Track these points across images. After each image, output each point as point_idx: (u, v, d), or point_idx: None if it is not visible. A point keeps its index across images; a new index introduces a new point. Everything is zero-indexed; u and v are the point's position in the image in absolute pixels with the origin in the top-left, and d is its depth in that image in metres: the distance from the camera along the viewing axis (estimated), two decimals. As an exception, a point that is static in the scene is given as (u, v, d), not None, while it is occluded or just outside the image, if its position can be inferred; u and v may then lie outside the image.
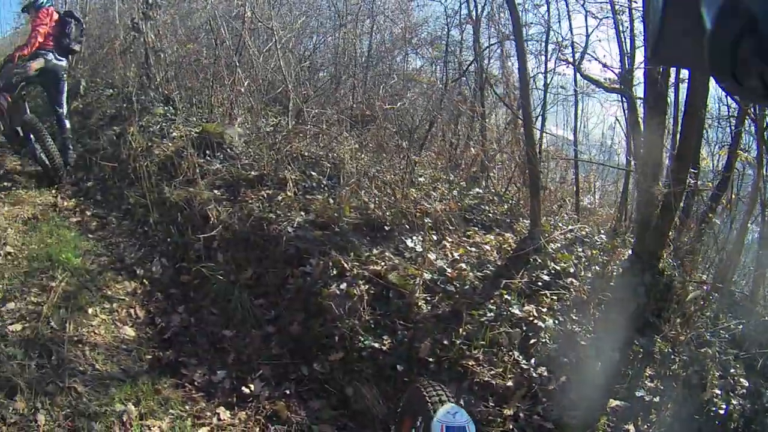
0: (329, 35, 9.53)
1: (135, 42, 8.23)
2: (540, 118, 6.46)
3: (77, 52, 7.38)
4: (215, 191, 5.26)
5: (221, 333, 4.25)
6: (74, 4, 12.46)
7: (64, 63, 6.94)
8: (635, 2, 5.83)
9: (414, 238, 4.62)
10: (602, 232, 5.62)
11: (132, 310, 4.46)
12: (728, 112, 5.50)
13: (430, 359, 3.64)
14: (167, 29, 8.45)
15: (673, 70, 4.64)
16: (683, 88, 5.04)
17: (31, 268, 4.68)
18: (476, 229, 5.16)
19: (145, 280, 4.77)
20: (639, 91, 5.30)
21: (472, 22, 7.34)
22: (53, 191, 6.45)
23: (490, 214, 5.55)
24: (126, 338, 4.15)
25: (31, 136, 6.53)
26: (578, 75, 6.61)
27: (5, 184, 6.56)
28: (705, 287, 4.41)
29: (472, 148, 6.80)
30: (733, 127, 5.43)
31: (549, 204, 6.14)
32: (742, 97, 1.41)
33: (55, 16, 6.90)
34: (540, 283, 4.27)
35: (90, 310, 4.28)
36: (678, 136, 4.52)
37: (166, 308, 4.53)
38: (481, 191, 6.05)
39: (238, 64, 6.99)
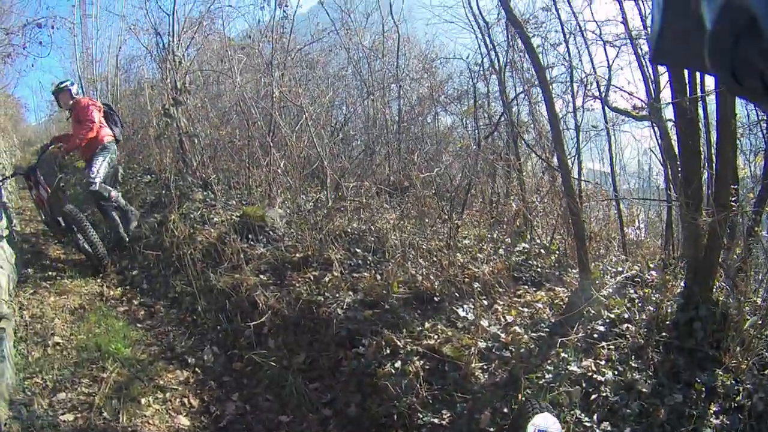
0: (358, 104, 9.71)
1: (168, 128, 8.48)
2: (575, 160, 6.48)
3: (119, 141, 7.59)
4: (261, 276, 5.31)
5: (277, 419, 4.24)
6: (105, 91, 13.00)
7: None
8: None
9: (465, 306, 4.60)
10: (652, 267, 5.54)
11: (186, 399, 4.46)
12: (757, 116, 5.40)
13: (491, 429, 3.58)
14: (198, 113, 8.70)
15: (698, 88, 4.62)
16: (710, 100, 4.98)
17: (80, 358, 4.73)
18: (526, 287, 5.13)
19: (197, 369, 4.77)
20: (669, 112, 5.30)
21: (495, 72, 7.44)
22: (98, 280, 6.52)
23: (539, 269, 5.50)
24: (181, 428, 4.16)
25: (73, 226, 6.67)
26: (606, 108, 6.64)
27: (50, 273, 6.64)
28: (762, 303, 4.28)
29: (513, 204, 6.79)
30: (764, 131, 5.34)
31: (596, 247, 6.09)
32: (742, 97, 1.43)
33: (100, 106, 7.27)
34: (596, 335, 4.19)
35: (143, 400, 4.30)
36: (713, 158, 4.45)
37: (220, 396, 4.52)
38: (527, 245, 6.03)
39: (271, 144, 7.14)
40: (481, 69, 7.85)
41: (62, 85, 7.38)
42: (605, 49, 6.64)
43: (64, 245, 7.57)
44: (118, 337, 5.12)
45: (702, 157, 4.41)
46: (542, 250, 5.96)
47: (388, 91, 9.16)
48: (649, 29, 5.98)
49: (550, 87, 5.23)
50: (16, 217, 8.76)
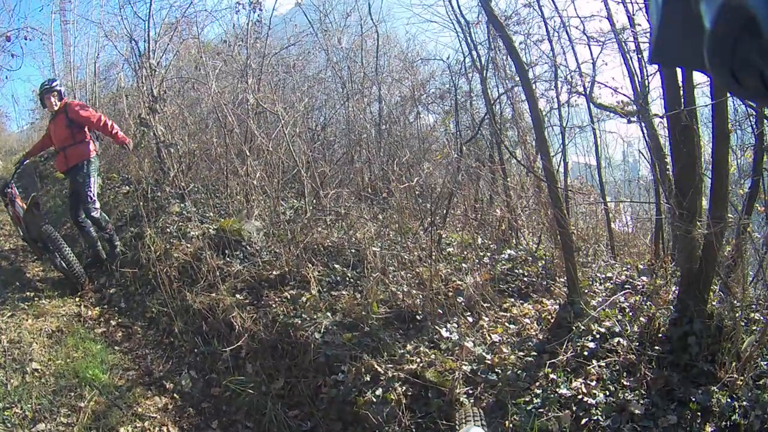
0: (338, 107, 9.56)
1: (145, 136, 8.33)
2: (561, 159, 6.39)
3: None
4: (238, 296, 5.18)
5: (257, 447, 4.12)
6: (84, 99, 12.81)
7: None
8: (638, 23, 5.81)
9: (449, 325, 4.48)
10: (642, 269, 5.43)
11: (164, 428, 4.36)
12: (746, 111, 5.30)
13: (478, 458, 3.47)
14: (176, 121, 8.55)
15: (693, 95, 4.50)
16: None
17: (58, 386, 4.64)
18: (512, 299, 5.02)
19: (175, 395, 4.66)
20: (656, 107, 5.19)
21: (477, 71, 7.33)
22: (76, 299, 6.41)
23: (525, 278, 5.40)
24: (161, 458, 4.06)
25: (49, 245, 6.53)
26: (591, 104, 6.56)
27: (28, 293, 6.51)
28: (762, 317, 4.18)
29: (498, 209, 6.67)
30: (754, 127, 5.22)
31: (584, 249, 6.00)
32: (742, 96, 1.39)
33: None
34: (586, 353, 4.07)
35: (122, 430, 4.22)
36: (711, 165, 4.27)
37: (199, 424, 4.42)
38: (513, 252, 5.91)
39: (248, 152, 6.99)
40: (463, 68, 7.75)
41: (52, 85, 6.97)
42: (589, 46, 6.57)
43: (43, 262, 7.41)
44: (95, 362, 5.03)
45: (697, 167, 4.28)
46: (529, 257, 5.83)
47: (369, 92, 9.03)
48: (637, 26, 5.90)
49: (534, 88, 5.08)
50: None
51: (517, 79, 6.11)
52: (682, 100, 4.21)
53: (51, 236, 6.46)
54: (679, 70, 4.20)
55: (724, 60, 0.67)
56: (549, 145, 5.36)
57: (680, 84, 4.25)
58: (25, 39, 10.04)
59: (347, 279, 5.21)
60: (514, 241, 6.37)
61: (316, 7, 9.63)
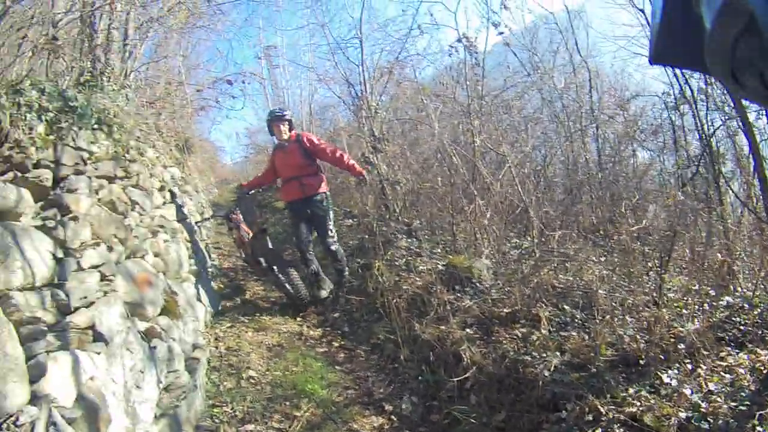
0: (557, 147, 9.53)
1: (369, 174, 8.83)
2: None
3: None
4: (467, 330, 5.31)
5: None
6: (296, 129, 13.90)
7: None
8: None
9: (669, 371, 4.32)
10: None
11: (378, 446, 4.52)
12: None
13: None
14: (398, 160, 8.98)
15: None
16: None
17: (274, 394, 4.94)
18: (729, 348, 4.71)
19: (393, 416, 4.76)
20: None
21: (688, 103, 7.00)
22: (298, 320, 6.80)
23: (742, 326, 5.03)
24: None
25: (275, 266, 6.99)
26: None
27: (248, 309, 7.08)
28: None
29: (718, 254, 6.25)
30: None
31: None
32: (742, 97, 1.27)
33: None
34: None
35: (335, 443, 4.40)
36: None
37: (414, 445, 4.55)
38: (731, 299, 5.52)
39: (476, 192, 7.18)
40: (674, 101, 7.44)
41: (283, 113, 7.26)
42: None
43: (264, 282, 8.04)
44: (315, 378, 5.32)
45: None
46: (745, 304, 5.42)
47: (586, 131, 8.93)
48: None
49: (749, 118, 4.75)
50: (213, 252, 9.53)
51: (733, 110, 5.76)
52: None
53: (280, 259, 7.02)
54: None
55: (724, 60, 0.68)
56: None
57: None
58: (243, 83, 10.94)
59: (576, 320, 5.18)
60: (731, 286, 5.93)
61: (524, 46, 9.72)
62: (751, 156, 4.84)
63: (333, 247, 7.08)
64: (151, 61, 9.69)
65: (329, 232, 7.05)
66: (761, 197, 4.80)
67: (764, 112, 5.73)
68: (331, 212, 7.16)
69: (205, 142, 19.84)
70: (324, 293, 7.07)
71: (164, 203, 6.55)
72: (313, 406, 4.76)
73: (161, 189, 6.64)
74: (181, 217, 7.15)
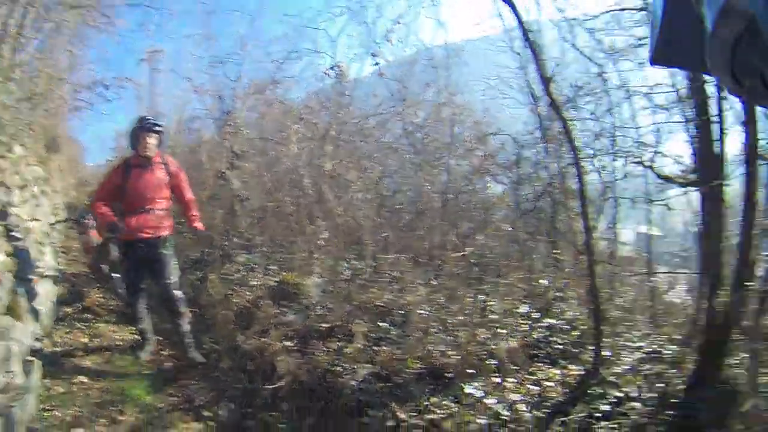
0: (410, 176, 9.94)
1: (222, 189, 8.96)
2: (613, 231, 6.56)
3: None
4: (287, 342, 5.56)
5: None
6: (164, 146, 13.77)
7: None
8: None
9: (475, 383, 4.74)
10: (675, 339, 5.47)
11: (196, 449, 4.79)
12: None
13: None
14: (252, 178, 9.19)
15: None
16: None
17: (102, 399, 5.16)
18: (541, 364, 5.20)
19: (211, 422, 4.99)
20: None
21: (543, 143, 7.60)
22: (132, 327, 6.86)
23: (559, 345, 5.54)
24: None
25: (113, 274, 7.09)
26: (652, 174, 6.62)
27: (87, 315, 7.26)
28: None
29: (544, 281, 6.85)
30: None
31: (625, 319, 6.08)
32: (743, 97, 1.42)
33: None
34: (598, 414, 4.16)
35: (155, 447, 4.63)
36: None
37: (230, 449, 4.82)
38: (553, 321, 6.07)
39: (318, 214, 7.50)
40: (530, 140, 8.04)
41: (157, 125, 6.03)
42: (653, 114, 6.65)
43: (104, 290, 8.07)
44: (142, 384, 5.58)
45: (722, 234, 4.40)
46: (566, 326, 6.00)
47: (439, 162, 9.40)
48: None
49: (583, 166, 5.30)
50: (60, 256, 9.38)
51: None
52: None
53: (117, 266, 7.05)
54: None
55: (725, 61, 0.70)
56: (592, 218, 5.56)
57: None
58: (121, 87, 10.86)
59: (389, 336, 5.56)
60: (555, 311, 6.51)
61: (397, 79, 10.13)
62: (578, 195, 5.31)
63: (175, 291, 5.99)
64: (42, 57, 9.31)
65: (171, 278, 6.02)
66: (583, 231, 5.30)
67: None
68: (174, 259, 6.18)
69: (73, 141, 19.22)
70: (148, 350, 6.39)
71: (23, 202, 6.42)
72: (137, 411, 4.98)
73: (23, 188, 6.55)
74: (36, 218, 7.10)
